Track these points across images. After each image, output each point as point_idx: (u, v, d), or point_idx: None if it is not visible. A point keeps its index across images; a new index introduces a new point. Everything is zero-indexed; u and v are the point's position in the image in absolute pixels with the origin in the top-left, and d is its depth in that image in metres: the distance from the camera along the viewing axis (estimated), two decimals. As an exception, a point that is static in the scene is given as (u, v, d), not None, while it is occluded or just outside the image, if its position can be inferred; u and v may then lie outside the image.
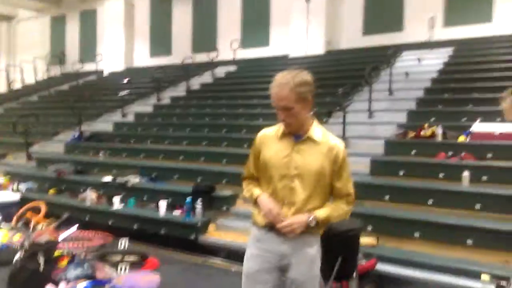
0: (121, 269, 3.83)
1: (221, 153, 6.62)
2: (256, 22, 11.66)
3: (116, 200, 5.81)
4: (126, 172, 6.40)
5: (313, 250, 2.10)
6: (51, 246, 3.76)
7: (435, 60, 8.28)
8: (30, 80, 15.49)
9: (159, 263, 4.19)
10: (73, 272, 3.58)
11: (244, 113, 8.03)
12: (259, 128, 2.32)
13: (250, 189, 2.17)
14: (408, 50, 8.97)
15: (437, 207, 4.40)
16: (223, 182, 5.77)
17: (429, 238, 4.10)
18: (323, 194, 2.09)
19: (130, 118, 9.52)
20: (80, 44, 15.73)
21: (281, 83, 1.98)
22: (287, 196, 2.05)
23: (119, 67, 14.16)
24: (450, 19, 9.16)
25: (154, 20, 13.84)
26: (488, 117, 5.42)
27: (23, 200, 6.08)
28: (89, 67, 14.61)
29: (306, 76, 2.02)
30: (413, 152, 5.37)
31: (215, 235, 5.03)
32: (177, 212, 5.41)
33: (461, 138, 5.27)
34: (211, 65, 11.36)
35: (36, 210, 5.52)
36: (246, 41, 11.67)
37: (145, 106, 10.04)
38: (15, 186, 7.02)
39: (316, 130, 2.09)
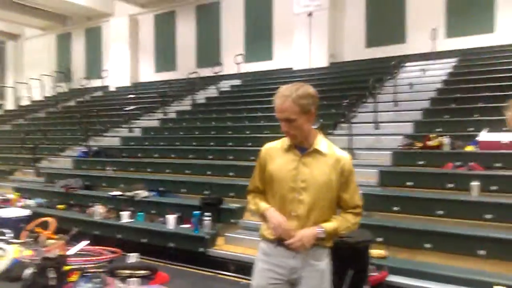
0: (131, 284, 3.82)
1: (228, 165, 6.65)
2: (259, 37, 11.79)
3: (125, 214, 5.83)
4: (134, 187, 6.43)
5: (323, 263, 2.09)
6: (61, 261, 3.76)
7: (439, 71, 8.35)
8: (37, 96, 15.71)
9: (169, 277, 4.17)
10: (83, 287, 3.59)
11: (250, 125, 8.07)
12: (264, 140, 2.34)
13: (257, 203, 2.16)
14: (411, 61, 9.05)
15: (447, 218, 4.37)
16: (230, 194, 5.78)
17: (440, 249, 4.06)
18: (330, 206, 2.08)
19: (137, 132, 9.60)
20: (86, 60, 15.96)
21: (284, 95, 2.00)
22: (295, 209, 2.04)
23: (125, 83, 14.31)
24: (452, 30, 9.25)
25: (158, 36, 14.02)
26: (495, 126, 5.42)
27: (33, 216, 6.09)
28: (95, 83, 14.81)
29: (309, 89, 2.03)
30: (421, 162, 5.37)
31: (224, 248, 5.02)
32: (185, 226, 5.42)
33: (468, 148, 5.28)
34: (215, 79, 11.47)
35: (46, 225, 5.53)
36: (250, 55, 11.80)
37: (151, 121, 10.12)
38: (24, 202, 7.06)
39: (322, 142, 2.09)
